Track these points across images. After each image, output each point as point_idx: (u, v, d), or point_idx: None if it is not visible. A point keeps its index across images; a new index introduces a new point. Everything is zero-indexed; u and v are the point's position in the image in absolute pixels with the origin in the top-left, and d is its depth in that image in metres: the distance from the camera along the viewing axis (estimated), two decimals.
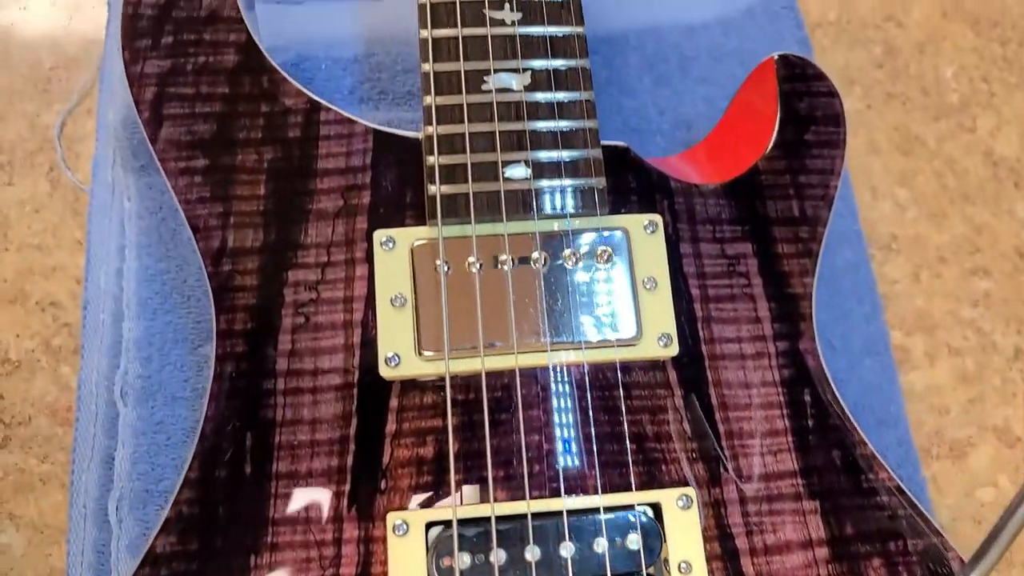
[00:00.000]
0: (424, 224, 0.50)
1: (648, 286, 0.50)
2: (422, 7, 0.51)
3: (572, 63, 0.51)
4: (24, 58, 0.68)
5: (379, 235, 0.49)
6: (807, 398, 0.50)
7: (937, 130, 0.72)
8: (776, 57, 0.56)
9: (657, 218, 0.51)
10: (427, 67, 0.50)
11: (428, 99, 0.50)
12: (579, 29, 0.52)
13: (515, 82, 0.51)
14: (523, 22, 0.52)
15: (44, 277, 0.63)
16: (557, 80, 0.51)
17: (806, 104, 0.55)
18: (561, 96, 0.51)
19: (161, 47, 0.52)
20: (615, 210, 0.51)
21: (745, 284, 0.52)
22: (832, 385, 0.51)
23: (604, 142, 0.52)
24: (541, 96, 0.51)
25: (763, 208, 0.53)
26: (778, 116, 0.55)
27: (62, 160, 0.65)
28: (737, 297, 0.51)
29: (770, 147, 0.54)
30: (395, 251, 0.49)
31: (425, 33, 0.51)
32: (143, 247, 0.61)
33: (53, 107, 0.67)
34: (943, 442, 0.64)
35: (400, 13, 0.70)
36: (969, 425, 0.64)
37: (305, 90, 0.52)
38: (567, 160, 0.50)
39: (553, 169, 0.50)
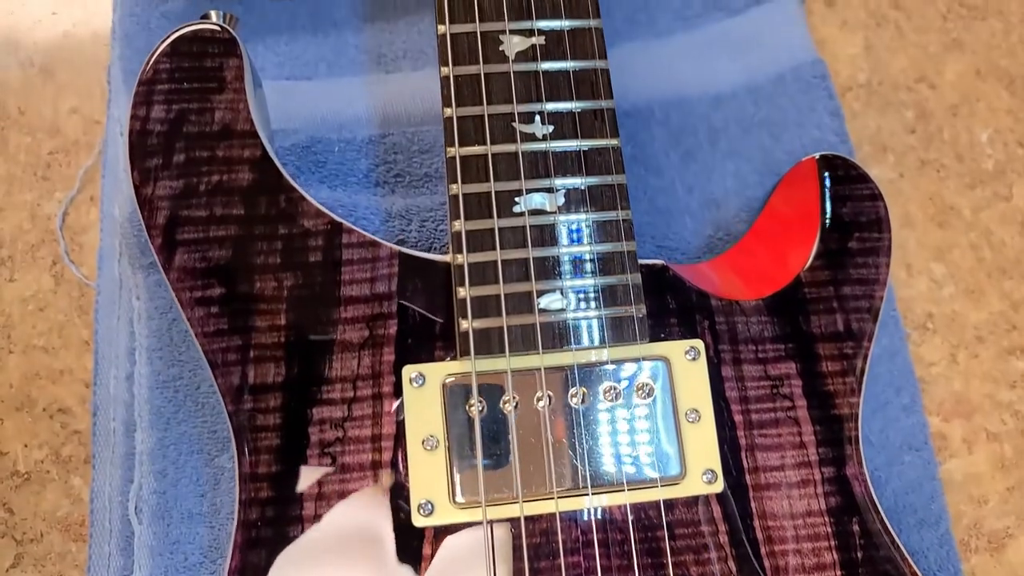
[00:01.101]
0: (455, 356, 0.47)
1: (691, 419, 0.47)
2: (448, 121, 0.48)
3: (607, 180, 0.49)
4: (22, 143, 0.65)
5: (408, 371, 0.47)
6: (855, 528, 0.48)
7: (973, 199, 0.70)
8: (818, 158, 0.53)
9: (699, 344, 0.49)
10: (456, 188, 0.47)
11: (457, 225, 0.47)
12: (614, 142, 0.49)
13: (548, 203, 0.48)
14: (555, 135, 0.49)
15: (51, 381, 0.60)
16: (592, 199, 0.48)
17: (850, 209, 0.53)
18: (596, 217, 0.48)
19: (172, 166, 0.49)
20: (655, 335, 0.48)
21: (789, 407, 0.49)
22: (881, 513, 0.49)
23: (642, 261, 0.49)
24: (575, 217, 0.48)
25: (807, 324, 0.51)
26: (820, 222, 0.52)
27: (65, 254, 0.62)
28: (781, 421, 0.49)
29: (813, 257, 0.52)
30: (425, 388, 0.47)
31: (453, 151, 0.48)
32: (154, 351, 0.59)
33: (54, 195, 0.64)
34: (981, 534, 0.62)
35: (415, 88, 0.67)
36: (1007, 515, 0.63)
37: (325, 210, 0.49)
38: (604, 287, 0.47)
39: (590, 298, 0.47)
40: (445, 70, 0.49)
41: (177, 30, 0.51)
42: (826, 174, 0.53)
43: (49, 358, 0.61)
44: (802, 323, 0.51)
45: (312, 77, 0.67)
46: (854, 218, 0.52)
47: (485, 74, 0.49)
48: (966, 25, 0.75)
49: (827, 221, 0.52)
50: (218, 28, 0.51)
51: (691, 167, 0.66)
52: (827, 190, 0.53)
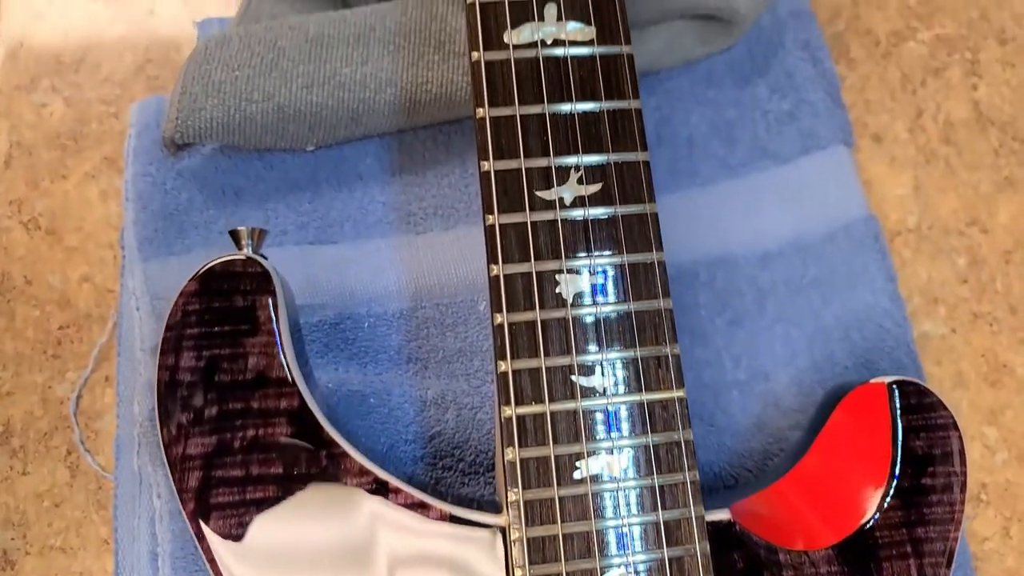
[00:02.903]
0: None
1: None
2: (503, 377, 0.45)
3: (673, 437, 0.45)
4: (29, 317, 0.61)
5: None
6: None
7: None
8: (888, 384, 0.50)
9: None
10: (512, 454, 0.44)
11: (514, 494, 0.44)
12: (679, 393, 0.46)
13: (610, 467, 0.45)
14: (616, 391, 0.45)
15: None
16: (657, 460, 0.45)
17: (923, 441, 0.50)
18: (662, 481, 0.45)
19: (204, 421, 0.45)
20: None
21: None
22: None
23: (707, 516, 0.46)
24: (640, 483, 0.45)
25: (878, 572, 0.48)
26: (892, 457, 0.49)
27: (80, 443, 0.59)
28: None
29: (884, 497, 0.49)
30: None
31: (509, 411, 0.44)
32: (177, 558, 0.55)
33: (66, 376, 0.61)
34: None
35: (447, 255, 0.63)
36: None
37: (371, 465, 0.46)
38: (671, 559, 0.44)
39: (655, 573, 0.44)
40: (499, 318, 0.45)
41: (205, 266, 0.47)
42: (897, 402, 0.50)
43: (67, 559, 0.58)
44: (873, 571, 0.48)
45: (338, 240, 0.63)
46: (928, 451, 0.49)
47: (542, 320, 0.45)
48: (1019, 160, 0.71)
49: (899, 456, 0.49)
50: (247, 259, 0.47)
51: (738, 334, 0.63)
52: (899, 420, 0.50)
